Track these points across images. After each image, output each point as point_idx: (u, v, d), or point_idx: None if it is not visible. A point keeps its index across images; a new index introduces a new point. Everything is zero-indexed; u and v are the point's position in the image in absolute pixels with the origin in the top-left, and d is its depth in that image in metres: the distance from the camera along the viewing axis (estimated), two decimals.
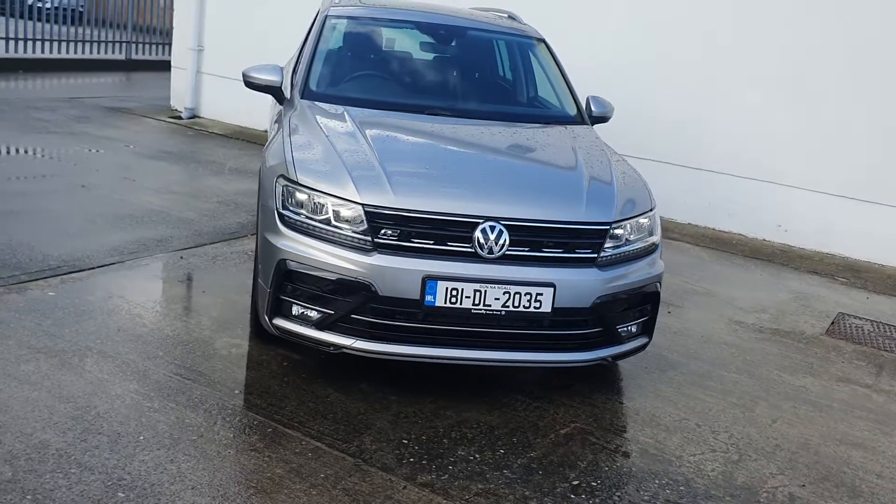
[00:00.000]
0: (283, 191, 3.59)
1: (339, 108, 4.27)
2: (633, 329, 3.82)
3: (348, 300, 3.41)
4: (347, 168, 3.56)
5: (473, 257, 3.43)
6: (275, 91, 4.61)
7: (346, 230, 3.44)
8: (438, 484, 3.04)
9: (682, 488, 3.23)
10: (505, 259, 3.46)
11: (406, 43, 5.02)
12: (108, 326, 4.02)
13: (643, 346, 3.91)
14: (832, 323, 5.50)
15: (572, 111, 4.86)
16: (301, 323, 3.51)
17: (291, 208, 3.55)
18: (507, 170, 3.90)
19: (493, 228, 3.43)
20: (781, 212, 7.55)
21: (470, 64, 5.04)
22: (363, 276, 3.37)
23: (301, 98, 4.42)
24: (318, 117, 4.13)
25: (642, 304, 3.80)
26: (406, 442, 3.31)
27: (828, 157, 7.30)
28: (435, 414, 3.57)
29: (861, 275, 6.83)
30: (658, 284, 3.83)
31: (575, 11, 8.21)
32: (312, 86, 4.53)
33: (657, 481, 3.25)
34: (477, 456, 3.27)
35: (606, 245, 3.63)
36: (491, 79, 5.00)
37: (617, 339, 3.73)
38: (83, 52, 14.94)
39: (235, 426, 3.25)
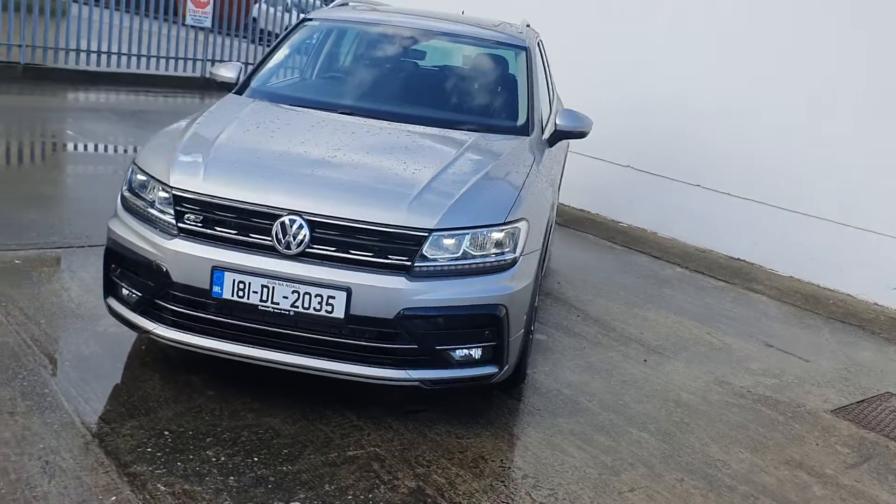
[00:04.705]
0: (130, 174, 3.66)
1: (257, 103, 4.28)
2: (473, 354, 3.37)
3: (150, 284, 3.38)
4: (178, 152, 3.55)
5: (271, 251, 3.25)
6: (230, 88, 4.71)
7: (166, 214, 3.42)
8: (146, 475, 2.89)
9: None
10: (304, 256, 3.24)
11: (370, 47, 4.87)
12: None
13: (489, 377, 3.44)
14: (860, 402, 4.42)
15: (520, 122, 4.42)
16: (124, 304, 3.53)
17: (135, 191, 3.60)
18: (345, 167, 3.60)
19: (293, 223, 3.23)
20: None
21: (425, 69, 4.79)
22: (160, 259, 3.33)
23: (233, 93, 4.49)
24: (220, 109, 4.17)
25: (476, 326, 3.34)
26: (166, 433, 3.18)
27: None
28: (233, 414, 3.39)
29: None
30: (502, 307, 3.34)
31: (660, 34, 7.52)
32: (254, 83, 4.59)
33: None
34: (222, 459, 3.06)
35: (428, 253, 3.25)
36: (438, 84, 4.69)
37: (442, 362, 3.31)
38: (157, 69, 12.95)
39: (21, 390, 3.33)
